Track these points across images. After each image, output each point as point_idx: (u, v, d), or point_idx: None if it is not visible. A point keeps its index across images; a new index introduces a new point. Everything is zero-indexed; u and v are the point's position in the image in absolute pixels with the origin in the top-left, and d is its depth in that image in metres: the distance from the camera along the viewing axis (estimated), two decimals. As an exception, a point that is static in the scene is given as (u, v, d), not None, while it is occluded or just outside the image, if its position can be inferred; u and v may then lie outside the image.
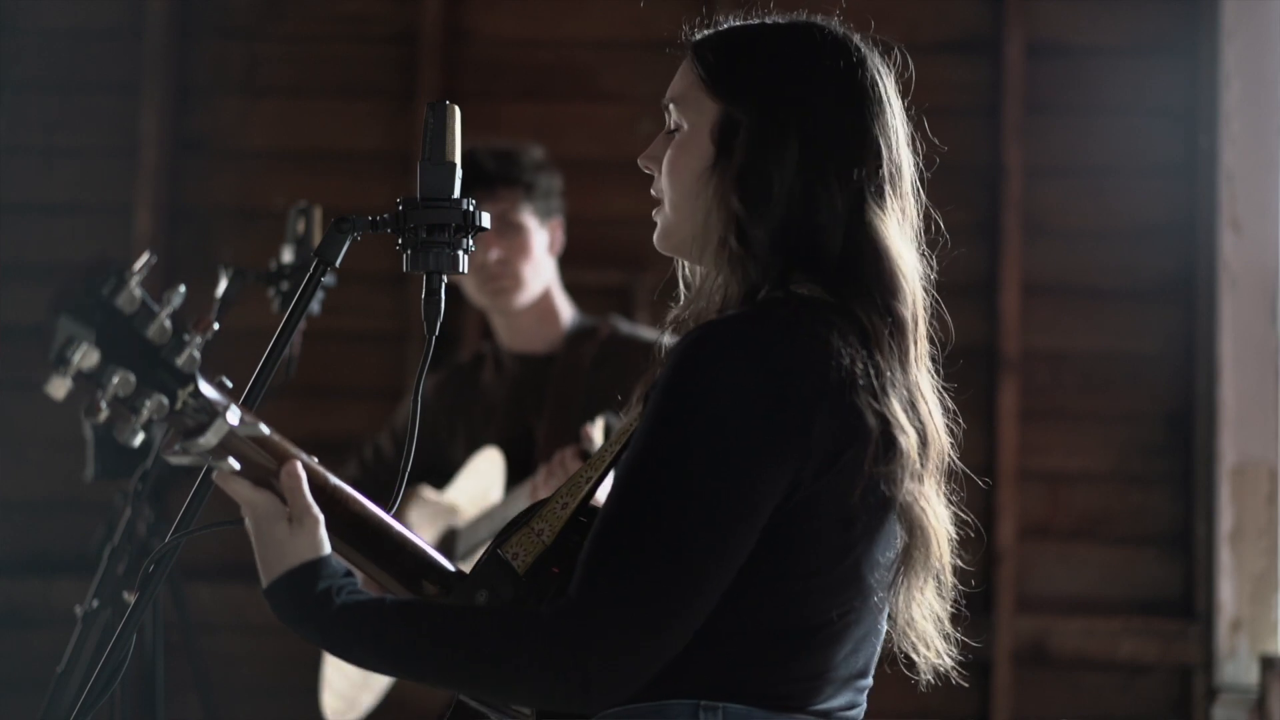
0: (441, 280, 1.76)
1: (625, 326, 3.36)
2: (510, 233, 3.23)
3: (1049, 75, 4.12)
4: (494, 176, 3.22)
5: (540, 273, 3.29)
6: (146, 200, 4.14)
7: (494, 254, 3.22)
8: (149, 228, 4.11)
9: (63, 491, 4.02)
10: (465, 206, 1.76)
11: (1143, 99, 4.12)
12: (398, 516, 1.76)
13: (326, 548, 1.67)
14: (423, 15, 4.16)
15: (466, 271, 1.79)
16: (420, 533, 2.91)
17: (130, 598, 1.88)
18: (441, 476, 3.36)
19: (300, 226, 2.83)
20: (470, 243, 1.77)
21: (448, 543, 3.28)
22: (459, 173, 1.77)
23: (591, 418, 2.97)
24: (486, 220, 1.78)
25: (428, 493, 3.36)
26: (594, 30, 4.17)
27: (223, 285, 2.77)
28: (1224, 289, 4.01)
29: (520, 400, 3.29)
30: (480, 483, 3.26)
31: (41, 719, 2.46)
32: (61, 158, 4.20)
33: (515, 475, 3.18)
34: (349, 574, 1.67)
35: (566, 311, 3.36)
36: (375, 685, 3.34)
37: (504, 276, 3.25)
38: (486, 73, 4.18)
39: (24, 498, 4.14)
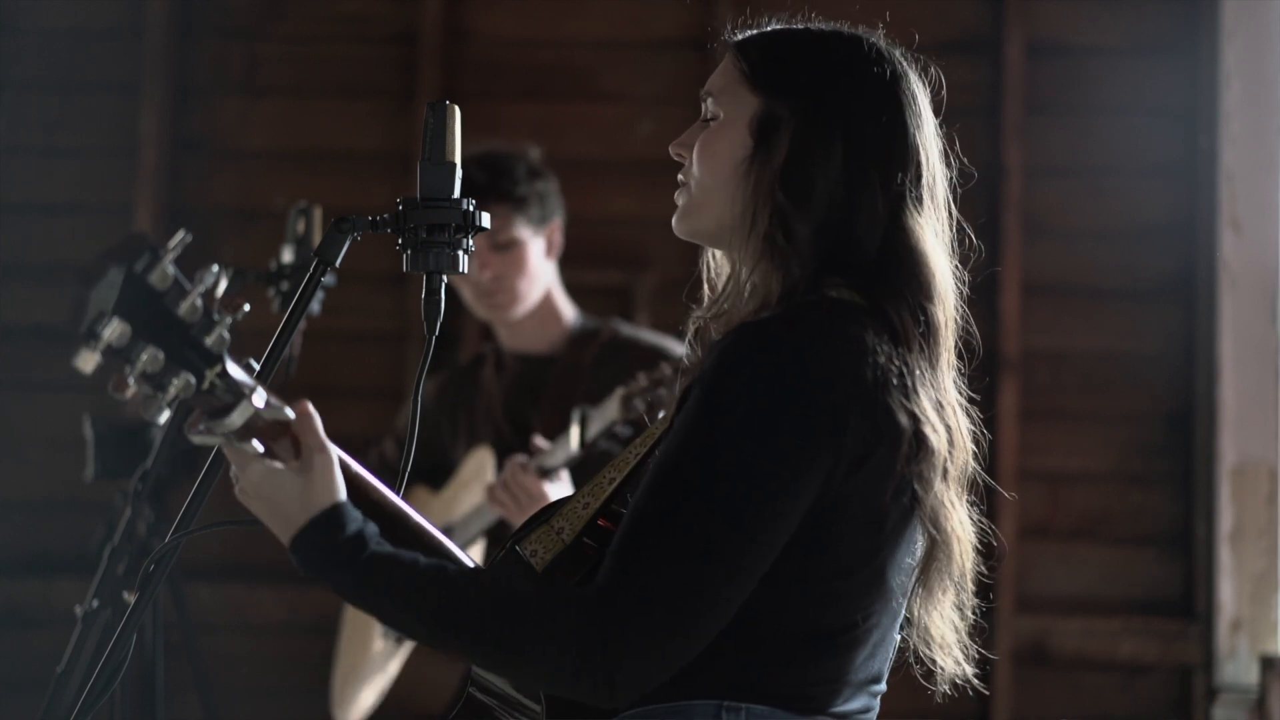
0: (441, 280, 1.76)
1: (627, 329, 3.34)
2: (502, 250, 3.22)
3: (1049, 75, 4.12)
4: (483, 192, 3.16)
5: (537, 281, 3.27)
6: (146, 200, 4.14)
7: (487, 273, 3.20)
8: (149, 228, 4.10)
9: (63, 491, 4.02)
10: (465, 206, 1.76)
11: (1143, 99, 4.12)
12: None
13: (344, 491, 1.63)
14: (423, 15, 4.15)
15: (466, 271, 1.79)
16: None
17: (130, 598, 1.88)
18: (444, 476, 3.36)
19: (300, 226, 2.82)
20: (470, 242, 1.77)
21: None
22: (459, 173, 1.78)
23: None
24: (486, 220, 1.78)
25: (424, 494, 3.36)
26: (594, 30, 4.17)
27: (223, 285, 2.76)
28: (1224, 289, 4.01)
29: (519, 399, 3.29)
30: (472, 485, 3.27)
31: (41, 719, 2.45)
32: (61, 158, 4.20)
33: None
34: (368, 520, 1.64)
35: (568, 312, 3.34)
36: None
37: (499, 293, 3.23)
38: (486, 73, 4.18)
39: (24, 498, 4.14)
